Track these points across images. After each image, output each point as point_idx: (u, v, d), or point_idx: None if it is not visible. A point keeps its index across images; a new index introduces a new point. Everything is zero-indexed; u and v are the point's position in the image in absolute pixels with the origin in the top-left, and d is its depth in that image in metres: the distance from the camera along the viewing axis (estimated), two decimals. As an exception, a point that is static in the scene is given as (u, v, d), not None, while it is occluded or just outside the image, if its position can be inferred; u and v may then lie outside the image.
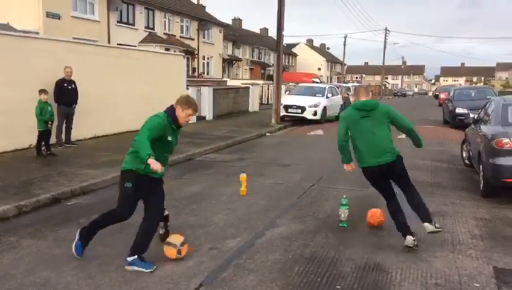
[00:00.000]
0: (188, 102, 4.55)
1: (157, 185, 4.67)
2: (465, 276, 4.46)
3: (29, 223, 5.88)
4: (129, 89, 14.08)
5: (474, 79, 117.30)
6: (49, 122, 9.92)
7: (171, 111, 4.56)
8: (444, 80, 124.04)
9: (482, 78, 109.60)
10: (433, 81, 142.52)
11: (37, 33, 19.32)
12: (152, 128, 4.35)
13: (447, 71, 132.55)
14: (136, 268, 4.40)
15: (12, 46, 10.46)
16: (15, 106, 10.17)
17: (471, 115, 13.46)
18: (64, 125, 11.12)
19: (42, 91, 9.83)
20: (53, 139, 10.43)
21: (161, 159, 4.33)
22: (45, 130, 9.83)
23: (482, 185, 7.58)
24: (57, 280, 4.22)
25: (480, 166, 7.69)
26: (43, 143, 9.82)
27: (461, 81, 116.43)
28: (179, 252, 4.67)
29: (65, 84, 10.99)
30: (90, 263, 4.59)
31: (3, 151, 9.99)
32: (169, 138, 4.55)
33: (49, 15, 23.54)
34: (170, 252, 4.68)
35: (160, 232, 5.18)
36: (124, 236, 5.32)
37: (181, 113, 4.53)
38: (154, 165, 4.11)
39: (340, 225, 5.86)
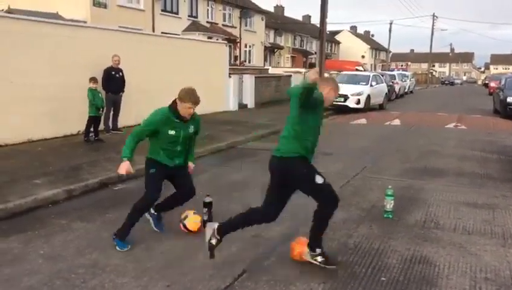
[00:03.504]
0: (185, 95, 4.66)
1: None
2: (517, 271, 4.29)
3: (79, 206, 6.08)
4: (173, 77, 14.22)
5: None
6: (101, 109, 10.23)
7: (172, 105, 4.79)
8: (494, 68, 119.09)
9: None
10: (482, 69, 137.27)
11: (85, 22, 19.82)
12: (149, 124, 4.79)
13: (497, 59, 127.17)
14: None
15: (64, 35, 10.79)
16: (66, 93, 10.55)
17: (525, 105, 12.91)
18: (111, 112, 11.42)
19: (92, 79, 10.12)
20: (101, 126, 10.74)
21: (168, 151, 4.81)
22: (96, 116, 10.13)
23: (535, 178, 7.26)
24: (105, 262, 4.35)
25: (534, 158, 7.36)
26: (92, 129, 10.12)
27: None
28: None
29: (113, 72, 11.25)
30: (137, 247, 4.70)
31: (54, 137, 10.39)
32: (171, 132, 4.73)
33: (95, 4, 24.14)
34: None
35: (204, 219, 5.25)
36: (167, 222, 5.43)
37: (180, 107, 4.72)
38: (120, 169, 4.73)
39: (385, 215, 5.75)
